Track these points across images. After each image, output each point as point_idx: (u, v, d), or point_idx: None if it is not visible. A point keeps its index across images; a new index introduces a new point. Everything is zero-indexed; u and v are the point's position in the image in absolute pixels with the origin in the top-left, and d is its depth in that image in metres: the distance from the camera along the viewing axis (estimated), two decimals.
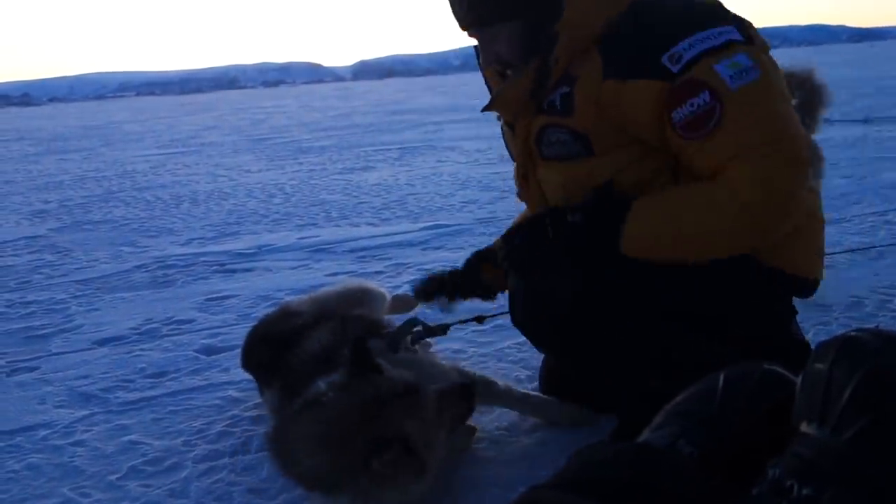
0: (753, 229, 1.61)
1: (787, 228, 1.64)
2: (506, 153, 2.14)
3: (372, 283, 2.70)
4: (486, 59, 1.83)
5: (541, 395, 2.09)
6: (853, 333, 1.07)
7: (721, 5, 1.70)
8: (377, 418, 1.59)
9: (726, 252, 1.65)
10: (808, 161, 1.62)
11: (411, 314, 2.49)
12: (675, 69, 1.59)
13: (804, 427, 1.04)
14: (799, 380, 1.10)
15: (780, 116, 1.60)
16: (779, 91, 1.63)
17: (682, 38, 1.59)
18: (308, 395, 1.70)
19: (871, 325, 2.28)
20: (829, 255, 3.51)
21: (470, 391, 1.80)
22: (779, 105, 1.61)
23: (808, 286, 1.83)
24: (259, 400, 2.24)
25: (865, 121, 8.73)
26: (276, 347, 2.08)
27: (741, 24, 1.65)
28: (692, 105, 1.58)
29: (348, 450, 1.55)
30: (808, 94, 2.92)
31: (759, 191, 1.56)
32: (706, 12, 1.66)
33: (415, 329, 2.06)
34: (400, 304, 2.83)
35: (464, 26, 1.81)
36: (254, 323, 2.48)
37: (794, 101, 2.38)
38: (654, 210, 1.65)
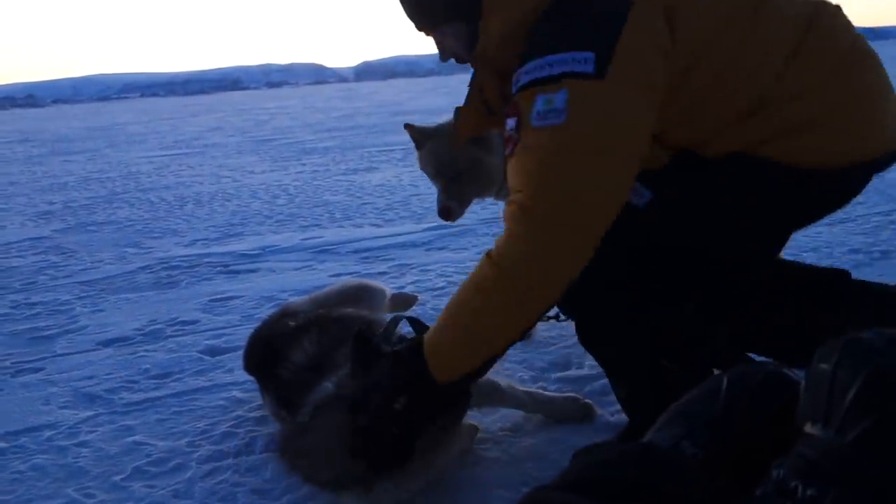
0: (515, 296, 1.49)
1: (546, 300, 1.52)
2: None
3: (372, 281, 2.70)
4: (443, 56, 1.86)
5: (543, 392, 2.10)
6: (857, 334, 1.07)
7: (608, 21, 1.49)
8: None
9: (526, 324, 1.55)
10: (577, 226, 1.46)
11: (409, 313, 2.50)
12: (514, 89, 1.55)
13: (808, 428, 1.04)
14: (803, 380, 1.10)
15: (557, 172, 1.45)
16: (578, 145, 1.45)
17: (532, 59, 1.51)
18: (318, 399, 1.69)
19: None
20: (832, 255, 3.52)
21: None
22: (564, 160, 1.45)
23: (878, 164, 1.68)
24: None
25: None
26: (271, 352, 2.08)
27: (606, 51, 1.45)
28: (508, 125, 1.55)
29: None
30: None
31: (512, 252, 1.48)
32: (574, 32, 1.50)
33: (399, 325, 2.04)
34: (400, 302, 2.83)
35: (417, 28, 1.84)
36: (257, 324, 2.48)
37: None
38: (441, 331, 1.56)
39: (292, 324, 2.13)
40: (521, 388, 2.06)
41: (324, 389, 1.71)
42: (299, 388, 1.81)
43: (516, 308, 1.51)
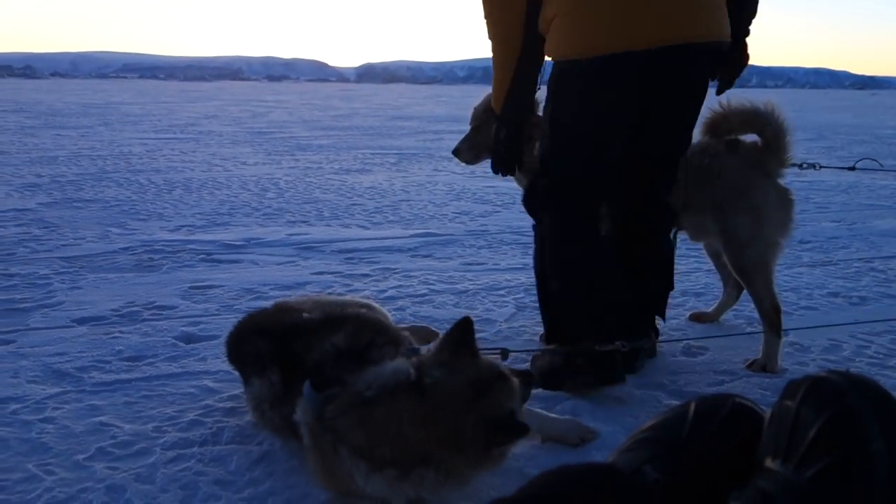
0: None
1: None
2: None
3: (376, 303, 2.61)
4: None
5: (547, 413, 2.08)
6: (823, 374, 1.08)
7: None
8: (486, 398, 1.63)
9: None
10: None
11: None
12: None
13: (768, 462, 1.05)
14: (767, 415, 1.12)
15: None
16: None
17: None
18: (388, 378, 1.67)
19: (844, 368, 2.30)
20: (811, 296, 3.55)
21: (531, 377, 1.88)
22: None
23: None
24: (234, 392, 2.23)
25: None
26: (278, 338, 2.02)
27: None
28: None
29: (455, 427, 1.59)
30: (773, 133, 2.64)
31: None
32: None
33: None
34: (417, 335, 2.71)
35: None
36: (237, 315, 2.45)
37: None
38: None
39: (306, 317, 2.06)
40: (536, 411, 2.04)
41: (397, 370, 1.69)
42: (341, 368, 1.79)
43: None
